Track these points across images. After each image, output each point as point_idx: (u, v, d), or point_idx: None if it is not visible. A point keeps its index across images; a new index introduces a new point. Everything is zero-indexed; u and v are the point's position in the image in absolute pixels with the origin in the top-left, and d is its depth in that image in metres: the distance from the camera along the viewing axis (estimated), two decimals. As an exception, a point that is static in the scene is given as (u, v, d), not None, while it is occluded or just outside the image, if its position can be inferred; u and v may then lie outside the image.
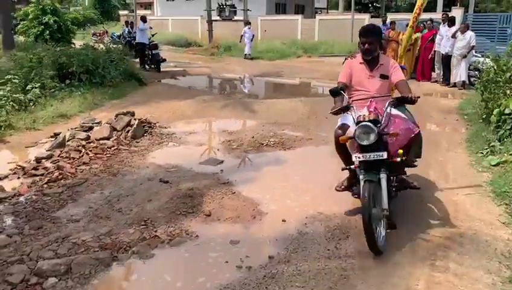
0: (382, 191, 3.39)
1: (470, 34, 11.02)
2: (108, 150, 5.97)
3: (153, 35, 15.18)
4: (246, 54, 19.34)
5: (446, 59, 11.65)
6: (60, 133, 6.53)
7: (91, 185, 4.79)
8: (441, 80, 12.05)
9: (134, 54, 15.08)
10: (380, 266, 3.25)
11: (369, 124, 3.37)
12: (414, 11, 5.74)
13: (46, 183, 4.80)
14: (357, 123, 3.45)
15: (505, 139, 5.70)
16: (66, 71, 10.02)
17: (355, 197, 3.98)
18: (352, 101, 3.86)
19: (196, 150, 6.14)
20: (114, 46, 13.65)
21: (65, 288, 2.96)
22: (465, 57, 11.06)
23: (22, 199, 4.43)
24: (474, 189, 4.72)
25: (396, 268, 3.23)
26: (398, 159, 3.42)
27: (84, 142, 6.12)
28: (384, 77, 3.90)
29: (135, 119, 7.10)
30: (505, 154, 5.33)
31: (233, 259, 3.34)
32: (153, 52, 14.43)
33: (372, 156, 3.38)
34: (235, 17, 23.35)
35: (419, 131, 3.81)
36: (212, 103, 9.55)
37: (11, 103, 7.61)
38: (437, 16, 14.90)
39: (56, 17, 17.71)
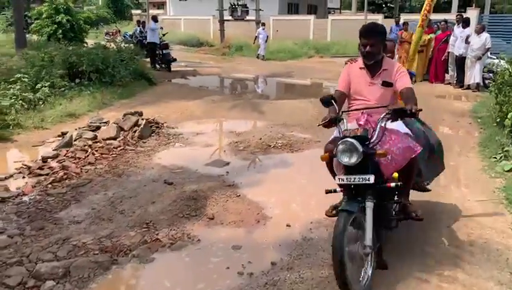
0: (366, 223, 2.80)
1: (485, 35, 10.81)
2: (115, 150, 5.94)
3: (164, 35, 15.20)
4: (258, 54, 19.25)
5: (460, 61, 11.44)
6: (68, 132, 6.52)
7: (95, 186, 4.75)
8: (455, 82, 11.84)
9: (146, 54, 15.09)
10: (385, 274, 3.14)
11: (352, 141, 2.80)
12: (423, 9, 5.20)
13: (50, 183, 4.78)
14: (342, 139, 2.90)
15: (520, 144, 5.54)
16: (76, 70, 10.04)
17: None
18: (343, 112, 3.33)
19: (202, 151, 6.08)
20: (125, 45, 13.70)
21: (63, 292, 2.92)
22: (479, 58, 10.85)
23: (25, 198, 4.41)
24: (486, 195, 4.59)
25: (403, 277, 3.12)
26: (393, 185, 2.91)
27: (90, 142, 6.10)
28: (386, 84, 3.29)
29: (143, 119, 7.07)
30: (519, 160, 5.18)
31: (235, 265, 3.26)
32: (164, 51, 14.44)
33: (356, 179, 2.83)
34: (247, 17, 23.26)
35: (423, 150, 3.32)
36: (221, 103, 9.50)
37: (20, 101, 7.64)
38: (451, 16, 14.66)
39: (69, 16, 17.82)
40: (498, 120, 6.74)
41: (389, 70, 3.36)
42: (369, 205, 2.82)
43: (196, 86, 12.52)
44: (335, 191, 3.11)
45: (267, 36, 19.55)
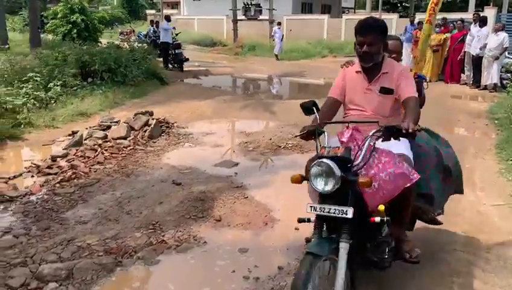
0: (337, 272, 2.18)
1: (503, 34, 10.57)
2: (124, 149, 5.91)
3: (176, 35, 15.20)
4: (276, 55, 19.15)
5: (476, 60, 11.20)
6: (78, 131, 6.52)
7: (103, 186, 4.72)
8: (471, 82, 11.60)
9: (159, 53, 15.13)
10: (396, 281, 3.03)
11: (329, 162, 2.22)
12: (430, 2, 4.02)
13: (58, 182, 4.76)
14: (318, 158, 2.32)
15: (538, 147, 5.36)
16: (88, 69, 10.08)
17: None
18: (326, 123, 2.76)
19: (212, 152, 6.02)
20: (139, 45, 13.75)
21: (65, 294, 2.87)
22: (497, 58, 10.60)
23: (33, 198, 4.39)
24: (503, 199, 4.44)
25: (414, 284, 3.01)
26: (377, 220, 2.37)
27: (100, 141, 6.08)
28: (385, 90, 2.78)
29: (153, 119, 7.04)
30: (538, 163, 5.01)
31: (241, 268, 3.18)
32: (176, 51, 14.45)
33: (331, 210, 2.25)
34: (261, 17, 23.19)
35: (435, 171, 2.99)
36: (232, 103, 9.43)
37: (32, 100, 7.67)
38: (468, 15, 14.39)
39: (84, 16, 17.96)
40: (516, 121, 6.55)
41: (390, 74, 2.82)
42: (344, 247, 2.22)
43: (208, 86, 12.49)
44: (309, 220, 2.49)
45: (283, 35, 19.41)
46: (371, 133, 2.41)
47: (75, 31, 17.45)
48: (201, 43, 24.88)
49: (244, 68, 16.47)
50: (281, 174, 5.11)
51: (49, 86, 8.55)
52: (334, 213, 2.23)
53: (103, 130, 6.67)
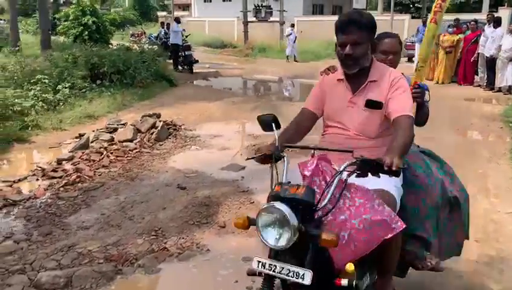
0: None
1: (518, 35, 10.33)
2: (130, 152, 5.85)
3: (186, 36, 15.19)
4: (294, 56, 18.92)
5: (490, 62, 10.96)
6: (85, 134, 6.49)
7: (107, 190, 4.66)
8: (485, 84, 11.35)
9: (169, 55, 15.14)
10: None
11: (283, 209, 1.65)
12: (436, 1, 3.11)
13: (62, 186, 4.71)
14: (272, 199, 1.74)
15: (555, 151, 5.18)
16: (97, 71, 10.08)
17: None
18: (287, 147, 2.18)
19: (219, 155, 5.93)
20: (149, 46, 13.77)
21: (63, 303, 2.80)
22: (512, 60, 10.37)
23: (36, 202, 4.34)
24: (518, 207, 4.28)
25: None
26: (344, 283, 1.77)
27: (106, 144, 6.03)
28: (373, 104, 2.22)
29: (160, 121, 6.98)
30: (555, 168, 4.83)
31: (244, 279, 3.05)
32: (186, 53, 14.42)
33: (283, 271, 1.69)
34: (271, 18, 23.12)
35: (435, 208, 2.44)
36: (241, 105, 9.35)
37: (40, 103, 7.67)
38: (482, 16, 14.14)
39: (95, 18, 18.05)
40: (532, 125, 6.36)
41: (380, 83, 2.24)
42: None
43: (217, 88, 12.44)
44: (260, 274, 1.81)
45: (295, 37, 19.23)
46: (342, 167, 1.83)
47: (86, 33, 17.54)
48: (211, 45, 24.88)
49: (253, 70, 16.39)
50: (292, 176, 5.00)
51: (57, 88, 8.55)
52: (287, 276, 1.68)
53: (110, 132, 6.63)
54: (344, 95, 2.32)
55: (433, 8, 2.83)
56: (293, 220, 1.64)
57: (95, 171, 5.14)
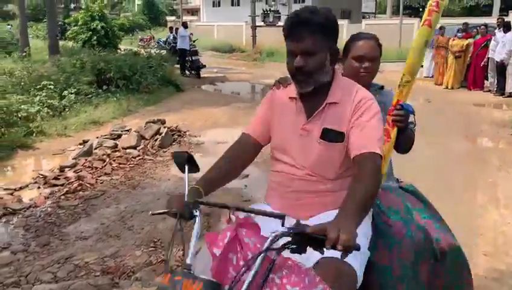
0: None
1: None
2: (133, 159, 5.81)
3: (194, 41, 15.19)
4: None
5: (501, 67, 10.78)
6: (89, 140, 6.46)
7: (108, 199, 4.60)
8: (495, 89, 11.16)
9: (177, 60, 15.16)
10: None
11: None
12: (429, 3, 2.28)
13: (63, 194, 4.66)
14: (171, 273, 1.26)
15: None
16: (104, 77, 10.09)
17: None
18: (199, 203, 1.56)
19: (222, 162, 5.85)
20: (157, 51, 13.79)
21: (57, 318, 2.74)
22: (523, 64, 10.19)
23: (36, 211, 4.30)
24: (529, 218, 4.14)
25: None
26: None
27: (109, 151, 5.98)
28: (331, 136, 1.69)
29: (165, 127, 6.93)
30: None
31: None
32: (193, 58, 14.42)
33: None
34: (279, 23, 23.06)
35: (415, 262, 1.89)
36: (247, 110, 9.26)
37: (45, 108, 7.67)
38: (492, 20, 13.95)
39: (104, 23, 18.14)
40: (543, 132, 6.21)
41: (342, 106, 1.68)
42: None
43: (224, 93, 12.40)
44: None
45: None
46: (268, 241, 1.25)
47: (95, 38, 17.64)
48: (220, 50, 24.91)
49: (261, 74, 16.32)
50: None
51: (63, 93, 8.56)
52: None
53: (114, 139, 6.59)
54: (296, 120, 1.74)
55: (427, 6, 2.08)
56: None
57: (96, 179, 5.09)
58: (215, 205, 1.60)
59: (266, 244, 1.25)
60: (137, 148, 6.25)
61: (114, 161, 5.67)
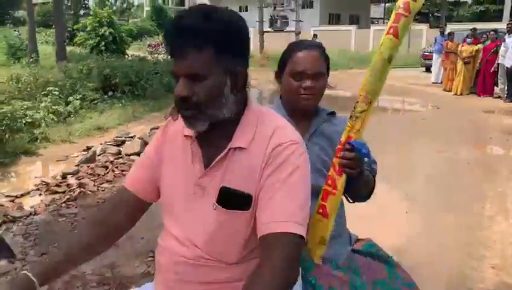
0: None
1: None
2: (136, 166, 5.75)
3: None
4: None
5: (511, 73, 10.63)
6: (92, 147, 6.43)
7: (109, 206, 4.55)
8: (505, 95, 11.00)
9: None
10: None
11: None
12: (397, 6, 1.53)
13: (64, 202, 4.62)
14: None
15: None
16: (109, 83, 10.11)
17: None
18: None
19: (226, 170, 5.79)
20: (164, 57, 13.82)
21: (51, 330, 2.68)
22: (533, 71, 10.03)
23: (36, 218, 4.26)
24: (539, 230, 4.01)
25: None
26: None
27: (112, 158, 5.95)
28: (232, 199, 1.14)
29: (169, 134, 6.89)
30: None
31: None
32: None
33: None
34: (287, 28, 23.08)
35: None
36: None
37: (50, 115, 7.67)
38: (502, 25, 13.79)
39: (112, 29, 18.27)
40: (554, 140, 6.07)
41: (251, 154, 1.14)
42: None
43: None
44: None
45: None
46: None
47: (103, 43, 17.77)
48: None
49: (267, 80, 16.28)
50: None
51: (68, 99, 8.57)
52: None
53: (117, 145, 6.57)
54: (190, 170, 1.19)
55: (394, 10, 1.49)
56: None
57: (98, 187, 5.05)
58: None
59: None
60: (141, 154, 6.20)
61: (117, 167, 5.63)
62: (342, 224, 1.68)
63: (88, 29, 18.44)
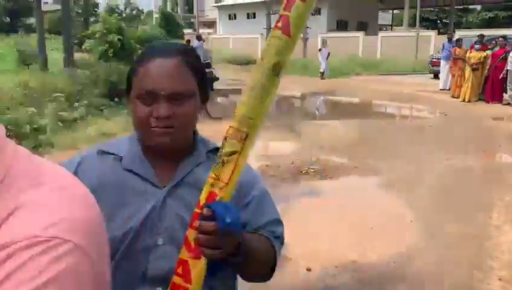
0: None
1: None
2: (139, 173, 5.73)
3: (207, 53, 15.32)
4: (322, 73, 18.45)
5: (521, 79, 10.51)
6: (96, 153, 6.43)
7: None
8: (514, 102, 10.88)
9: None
10: None
11: None
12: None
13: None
14: None
15: None
16: (116, 89, 10.13)
17: None
18: None
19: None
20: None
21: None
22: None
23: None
24: (548, 240, 3.90)
25: None
26: None
27: (115, 164, 5.93)
28: None
29: (173, 140, 6.87)
30: None
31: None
32: (206, 70, 14.45)
33: None
34: (295, 35, 23.10)
35: None
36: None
37: (55, 121, 7.69)
38: (511, 32, 13.67)
39: (120, 35, 18.37)
40: None
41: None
42: None
43: (235, 105, 12.33)
44: None
45: (328, 53, 18.69)
46: None
47: (111, 50, 17.87)
48: (235, 62, 25.05)
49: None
50: (297, 204, 4.77)
51: (74, 105, 8.60)
52: None
53: (121, 152, 6.55)
54: None
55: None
56: None
57: (100, 193, 5.02)
58: None
59: None
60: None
61: (119, 174, 5.61)
62: None
63: (97, 35, 18.56)
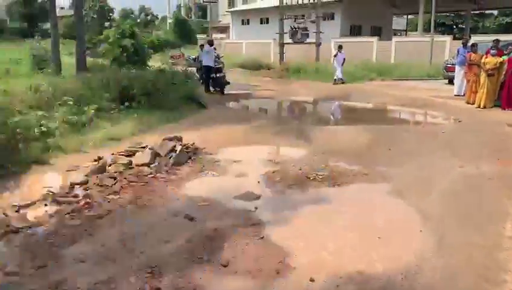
0: None
1: None
2: (145, 177, 5.67)
3: (219, 58, 15.27)
4: (335, 79, 18.26)
5: (538, 85, 10.24)
6: (103, 157, 6.39)
7: (113, 218, 4.45)
8: (531, 109, 10.60)
9: (199, 77, 15.24)
10: None
11: None
12: None
13: (69, 213, 4.55)
14: None
15: None
16: (127, 93, 10.13)
17: None
18: None
19: (235, 182, 5.65)
20: (183, 68, 13.89)
21: None
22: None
23: (39, 229, 4.19)
24: None
25: None
26: None
27: (121, 169, 5.88)
28: None
29: (180, 144, 6.81)
30: None
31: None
32: (217, 75, 14.43)
33: None
34: (308, 40, 22.95)
35: None
36: (267, 128, 9.09)
37: (64, 124, 7.70)
38: (529, 36, 13.38)
39: (134, 40, 18.46)
40: None
41: None
42: None
43: (246, 110, 12.27)
44: None
45: (344, 58, 18.48)
46: None
47: (125, 54, 17.97)
48: (248, 66, 25.01)
49: (286, 92, 16.19)
50: (304, 211, 4.65)
51: (84, 109, 8.60)
52: None
53: (129, 156, 6.50)
54: None
55: None
56: None
57: (104, 198, 4.97)
58: None
59: None
60: (151, 165, 6.13)
61: (125, 178, 5.55)
62: None
63: (110, 40, 18.69)
